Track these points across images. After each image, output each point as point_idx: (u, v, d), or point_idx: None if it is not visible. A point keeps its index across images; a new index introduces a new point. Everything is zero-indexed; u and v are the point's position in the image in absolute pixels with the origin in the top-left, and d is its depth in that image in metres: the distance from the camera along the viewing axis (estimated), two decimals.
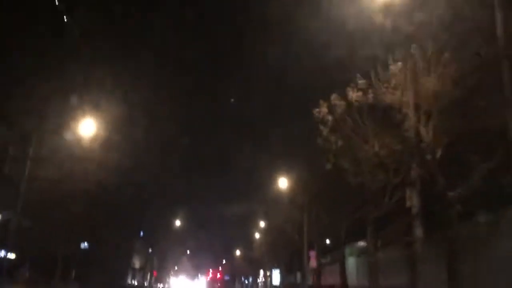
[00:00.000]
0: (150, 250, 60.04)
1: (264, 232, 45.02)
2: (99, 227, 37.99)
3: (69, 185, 23.76)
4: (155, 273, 67.18)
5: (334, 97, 12.02)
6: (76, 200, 26.82)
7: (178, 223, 57.03)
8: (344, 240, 21.89)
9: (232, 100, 49.31)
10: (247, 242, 58.67)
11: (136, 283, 55.30)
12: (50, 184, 22.68)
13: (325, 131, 12.41)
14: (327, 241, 30.88)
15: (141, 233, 58.23)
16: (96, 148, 22.86)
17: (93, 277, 41.24)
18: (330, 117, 12.14)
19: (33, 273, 31.38)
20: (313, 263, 27.91)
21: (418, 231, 12.20)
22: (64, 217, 27.32)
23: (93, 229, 36.99)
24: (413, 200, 12.28)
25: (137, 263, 54.26)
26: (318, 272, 27.53)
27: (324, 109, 12.15)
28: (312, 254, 28.01)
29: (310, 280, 29.78)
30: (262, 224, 45.25)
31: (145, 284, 57.75)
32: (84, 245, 44.77)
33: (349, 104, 11.97)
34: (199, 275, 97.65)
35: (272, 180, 30.86)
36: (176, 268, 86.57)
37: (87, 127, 20.23)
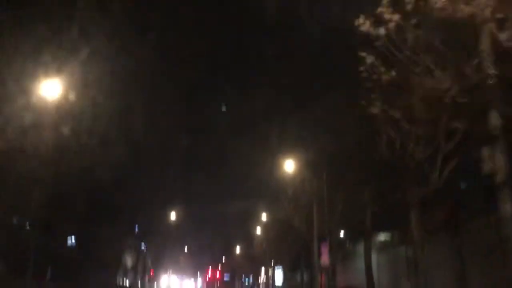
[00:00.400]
0: (143, 246, 55.89)
1: (266, 225, 41.13)
2: (87, 219, 34.41)
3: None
4: (152, 271, 62.96)
5: (384, 5, 7.83)
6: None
7: (174, 217, 52.89)
8: (371, 230, 17.89)
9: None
10: (247, 238, 54.98)
11: (127, 284, 50.82)
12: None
13: (369, 58, 8.34)
14: (341, 234, 26.86)
15: (136, 228, 54.44)
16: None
17: (79, 276, 37.20)
18: (380, 32, 7.98)
19: (3, 269, 27.43)
20: (325, 260, 23.86)
21: (506, 208, 8.23)
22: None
23: (81, 221, 33.39)
24: (496, 162, 8.28)
25: (129, 261, 49.94)
26: (332, 270, 23.46)
27: (368, 23, 8.07)
28: (324, 248, 23.96)
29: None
30: (264, 218, 41.53)
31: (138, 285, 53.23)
32: (72, 241, 41.02)
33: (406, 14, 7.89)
34: (199, 273, 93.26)
35: (276, 166, 27.21)
36: (172, 266, 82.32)
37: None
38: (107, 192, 35.18)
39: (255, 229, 47.66)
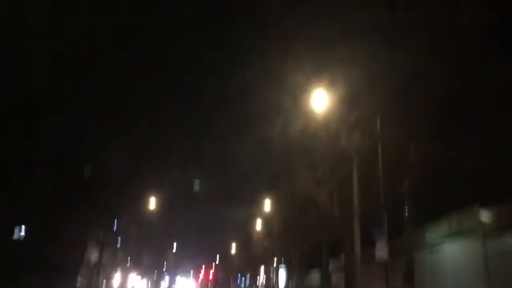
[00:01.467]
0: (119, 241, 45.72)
1: (274, 208, 31.94)
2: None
3: None
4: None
5: None
6: None
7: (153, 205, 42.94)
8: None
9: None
10: (245, 233, 46.89)
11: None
12: None
13: None
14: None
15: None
16: None
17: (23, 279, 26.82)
18: None
19: None
20: (382, 251, 14.01)
21: None
22: None
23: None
24: None
25: (94, 257, 39.14)
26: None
27: None
28: (381, 239, 14.11)
29: None
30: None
31: None
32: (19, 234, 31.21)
33: None
34: (192, 271, 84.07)
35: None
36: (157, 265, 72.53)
37: None
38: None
39: (255, 220, 40.15)
